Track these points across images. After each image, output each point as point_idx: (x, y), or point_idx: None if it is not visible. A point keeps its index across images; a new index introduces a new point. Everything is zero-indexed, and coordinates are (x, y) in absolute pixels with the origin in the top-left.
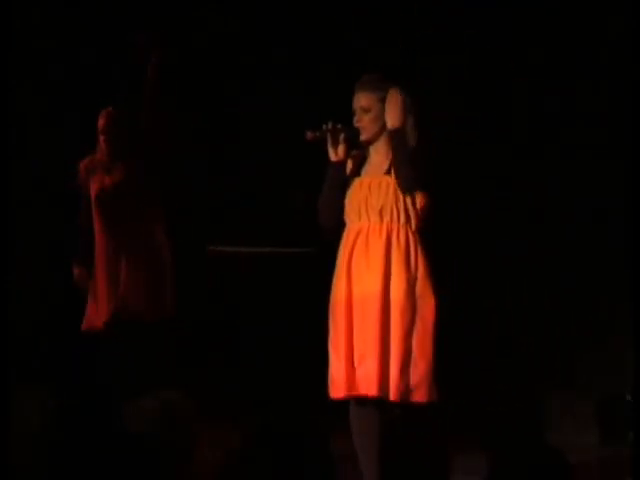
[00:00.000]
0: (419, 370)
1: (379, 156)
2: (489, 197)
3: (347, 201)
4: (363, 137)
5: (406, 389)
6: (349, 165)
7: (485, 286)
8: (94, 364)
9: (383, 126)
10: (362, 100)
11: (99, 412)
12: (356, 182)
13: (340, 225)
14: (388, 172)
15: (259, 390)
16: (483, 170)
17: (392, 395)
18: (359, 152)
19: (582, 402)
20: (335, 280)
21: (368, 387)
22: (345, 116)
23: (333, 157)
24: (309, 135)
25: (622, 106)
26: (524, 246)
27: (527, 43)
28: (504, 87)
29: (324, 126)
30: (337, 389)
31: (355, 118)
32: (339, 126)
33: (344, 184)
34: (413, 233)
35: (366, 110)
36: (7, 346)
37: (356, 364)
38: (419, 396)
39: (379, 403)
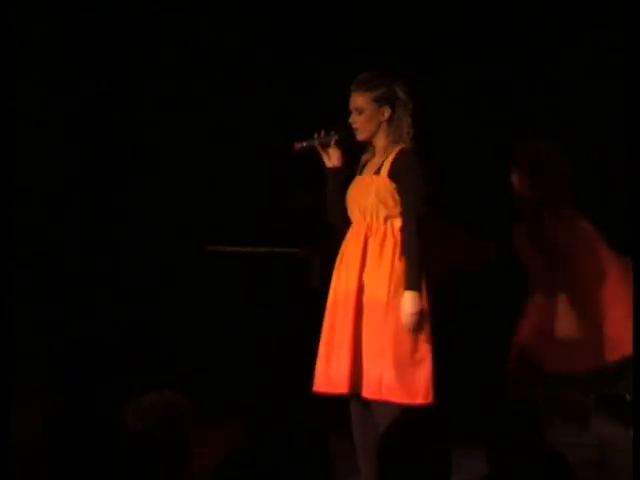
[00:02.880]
0: (421, 371)
1: (376, 155)
2: (487, 194)
3: (347, 200)
4: (359, 138)
5: (380, 386)
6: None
7: (484, 285)
8: (94, 364)
9: (379, 125)
10: (356, 100)
11: (99, 412)
12: (354, 181)
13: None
14: (377, 172)
15: (258, 390)
16: (475, 168)
17: (365, 392)
18: (367, 154)
19: (582, 402)
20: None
21: (339, 385)
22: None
23: (327, 164)
24: (296, 146)
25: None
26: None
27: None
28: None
29: (315, 135)
30: (315, 384)
31: (350, 118)
32: (332, 132)
33: (342, 188)
34: (394, 233)
35: (360, 110)
36: (7, 346)
37: (333, 362)
38: (420, 398)
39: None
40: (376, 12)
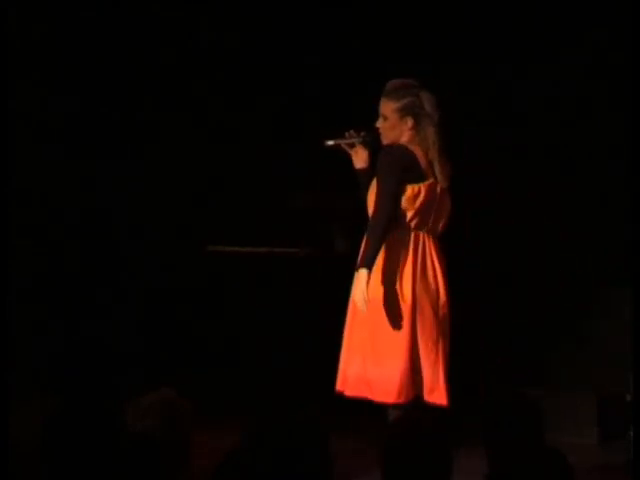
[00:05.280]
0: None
1: None
2: (487, 192)
3: None
4: (383, 142)
5: (346, 381)
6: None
7: (482, 285)
8: (94, 363)
9: (401, 133)
10: (382, 107)
11: (98, 411)
12: None
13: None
14: None
15: (259, 390)
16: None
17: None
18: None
19: (582, 402)
20: None
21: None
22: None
23: (355, 164)
24: (326, 144)
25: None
26: (523, 245)
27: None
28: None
29: (346, 134)
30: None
31: (377, 122)
32: (362, 133)
33: (367, 188)
34: None
35: (384, 117)
36: (7, 346)
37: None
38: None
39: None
40: (376, 12)
